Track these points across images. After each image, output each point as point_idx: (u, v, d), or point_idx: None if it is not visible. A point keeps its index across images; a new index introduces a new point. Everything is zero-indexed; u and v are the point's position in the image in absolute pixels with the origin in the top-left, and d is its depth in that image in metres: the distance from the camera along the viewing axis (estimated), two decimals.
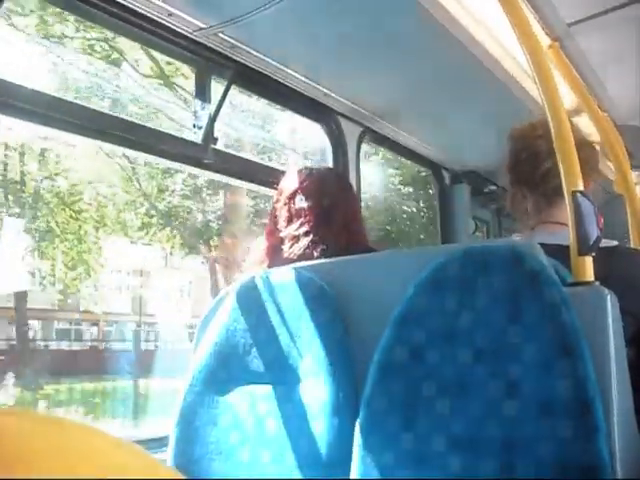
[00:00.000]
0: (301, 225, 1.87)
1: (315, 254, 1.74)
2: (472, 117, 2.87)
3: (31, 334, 16.38)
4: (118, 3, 1.86)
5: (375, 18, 1.99)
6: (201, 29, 2.00)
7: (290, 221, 1.90)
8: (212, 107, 2.24)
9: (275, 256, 1.84)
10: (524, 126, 1.75)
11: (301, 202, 1.90)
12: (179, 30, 2.01)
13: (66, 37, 10.46)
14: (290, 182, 1.98)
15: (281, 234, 1.89)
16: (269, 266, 1.73)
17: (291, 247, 1.84)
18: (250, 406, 1.41)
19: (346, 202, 1.93)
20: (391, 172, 12.95)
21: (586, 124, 2.57)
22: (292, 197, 1.93)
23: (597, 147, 3.00)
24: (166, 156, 2.16)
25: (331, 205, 1.88)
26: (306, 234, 1.85)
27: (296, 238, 1.85)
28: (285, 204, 1.93)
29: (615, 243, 1.55)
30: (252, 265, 1.90)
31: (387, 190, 13.09)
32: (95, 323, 19.99)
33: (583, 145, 1.40)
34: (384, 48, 2.20)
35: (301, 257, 1.71)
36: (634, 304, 1.38)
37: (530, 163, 1.67)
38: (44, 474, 0.29)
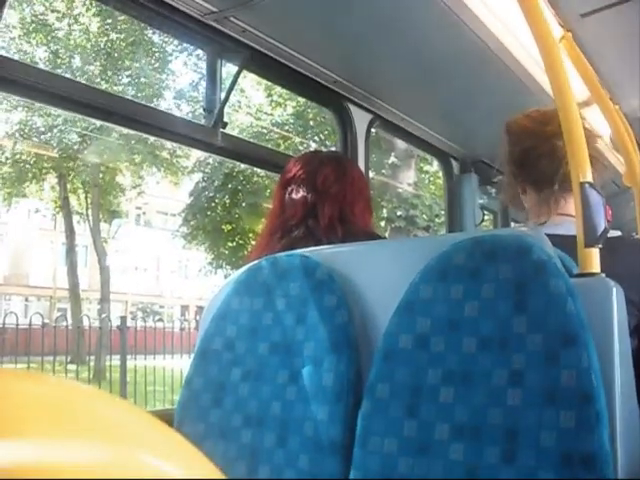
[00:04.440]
0: (292, 216, 1.85)
1: (305, 248, 1.63)
2: (482, 107, 2.87)
3: None
4: None
5: (387, 5, 1.98)
6: (213, 12, 2.00)
7: (283, 210, 1.88)
8: (222, 92, 2.24)
9: (271, 244, 1.83)
10: (527, 120, 1.72)
11: (293, 192, 1.88)
12: (191, 13, 2.01)
13: None
14: (288, 168, 1.96)
15: (276, 223, 1.87)
16: (266, 254, 1.66)
17: (282, 238, 1.82)
18: (254, 389, 1.42)
19: (342, 191, 1.87)
20: None
21: (596, 116, 2.56)
22: (286, 185, 1.91)
23: (607, 139, 3.00)
24: (176, 139, 2.17)
25: (320, 197, 1.84)
26: (296, 226, 1.83)
27: (288, 229, 1.83)
28: (281, 191, 1.91)
29: (618, 233, 1.54)
30: (255, 250, 1.90)
31: None
32: None
33: (587, 136, 1.39)
34: (396, 36, 2.20)
35: (292, 250, 1.62)
36: (636, 294, 1.38)
37: (545, 162, 1.63)
38: (48, 438, 0.29)
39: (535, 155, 1.66)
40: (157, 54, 15.22)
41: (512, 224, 4.24)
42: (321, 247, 1.62)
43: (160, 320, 13.45)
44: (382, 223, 12.14)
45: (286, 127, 14.42)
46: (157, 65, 15.17)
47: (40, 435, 0.29)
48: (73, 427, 0.30)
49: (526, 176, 1.70)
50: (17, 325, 8.83)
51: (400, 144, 9.27)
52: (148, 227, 29.78)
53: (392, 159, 11.41)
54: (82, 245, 22.77)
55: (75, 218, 18.03)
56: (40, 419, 0.29)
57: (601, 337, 1.09)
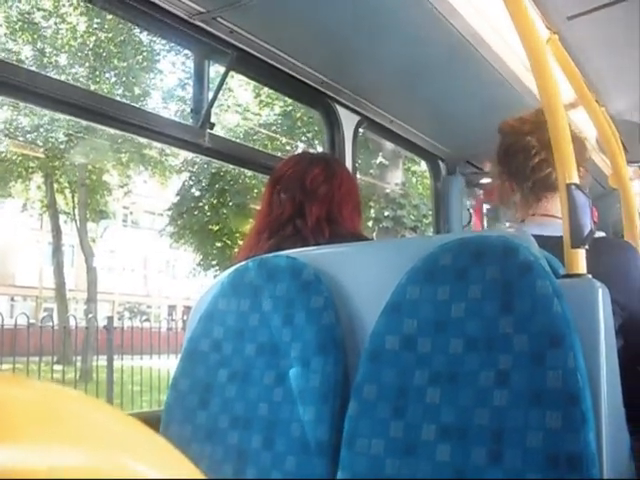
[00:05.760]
0: (279, 215, 1.85)
1: (292, 247, 1.64)
2: (469, 109, 2.87)
3: None
4: None
5: (374, 6, 1.98)
6: (200, 13, 2.00)
7: (272, 209, 1.88)
8: (210, 92, 2.24)
9: (259, 243, 1.83)
10: (514, 120, 1.76)
11: (281, 191, 1.88)
12: (178, 14, 2.00)
13: None
14: (278, 168, 1.96)
15: (264, 222, 1.88)
16: (254, 254, 1.69)
17: (270, 238, 1.82)
18: (241, 390, 1.42)
19: (330, 192, 1.87)
20: None
21: (582, 118, 2.57)
22: (275, 184, 1.91)
23: (593, 141, 3.02)
24: (163, 140, 2.16)
25: (308, 197, 1.84)
26: (284, 225, 1.83)
27: (276, 228, 1.84)
28: (270, 191, 1.91)
29: (602, 234, 1.56)
30: (242, 250, 1.90)
31: None
32: None
33: (573, 139, 1.41)
34: (383, 37, 2.20)
35: (280, 249, 1.63)
36: (620, 294, 1.39)
37: (520, 157, 1.68)
38: (32, 442, 0.29)
39: (513, 151, 1.70)
40: (145, 53, 15.16)
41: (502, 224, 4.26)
42: (308, 248, 1.62)
43: (147, 320, 13.41)
44: (370, 223, 12.12)
45: (273, 127, 14.40)
46: (145, 64, 15.12)
47: (23, 440, 0.28)
48: (57, 431, 0.30)
49: (508, 173, 1.74)
50: (2, 325, 8.75)
51: (387, 144, 9.28)
52: (135, 227, 29.69)
53: (379, 159, 11.41)
54: (69, 245, 22.72)
55: (62, 218, 17.95)
56: (23, 423, 0.29)
57: (587, 338, 1.10)
